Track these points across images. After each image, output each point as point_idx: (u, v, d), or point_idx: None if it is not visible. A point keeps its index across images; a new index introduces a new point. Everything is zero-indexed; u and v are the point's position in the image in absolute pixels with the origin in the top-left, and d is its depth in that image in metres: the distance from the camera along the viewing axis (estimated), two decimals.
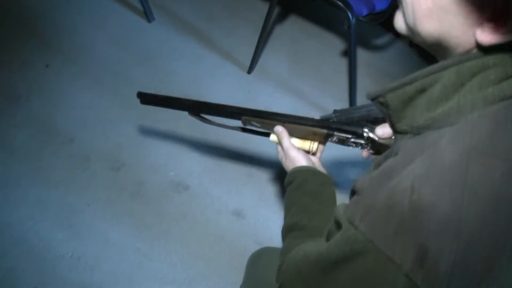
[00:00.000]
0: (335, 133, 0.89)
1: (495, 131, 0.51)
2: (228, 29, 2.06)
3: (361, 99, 1.81)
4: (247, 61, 1.90)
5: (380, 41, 2.06)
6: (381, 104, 0.61)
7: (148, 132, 1.73)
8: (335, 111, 0.92)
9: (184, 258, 1.48)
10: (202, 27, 2.05)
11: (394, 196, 0.51)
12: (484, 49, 0.51)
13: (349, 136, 0.89)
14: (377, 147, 0.89)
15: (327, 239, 0.64)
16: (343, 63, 1.98)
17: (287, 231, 0.82)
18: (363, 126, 0.88)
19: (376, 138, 0.86)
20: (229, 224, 1.56)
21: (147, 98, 1.14)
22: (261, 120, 0.96)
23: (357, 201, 0.57)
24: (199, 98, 1.78)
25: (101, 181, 1.60)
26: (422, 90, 0.55)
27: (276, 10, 2.13)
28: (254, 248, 1.48)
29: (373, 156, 0.93)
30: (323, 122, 0.91)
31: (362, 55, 2.00)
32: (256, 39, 1.83)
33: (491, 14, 0.48)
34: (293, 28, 2.09)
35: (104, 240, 1.49)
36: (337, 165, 1.68)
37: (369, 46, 2.05)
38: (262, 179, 1.65)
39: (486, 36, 0.49)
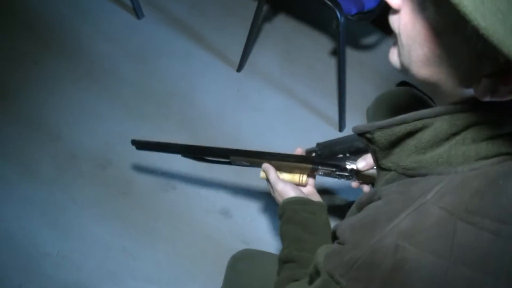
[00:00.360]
0: (319, 167, 0.93)
1: (486, 188, 0.48)
2: (219, 26, 2.05)
3: (351, 99, 1.81)
4: (237, 59, 1.89)
5: (370, 39, 2.06)
6: (368, 140, 0.58)
7: (136, 130, 1.72)
8: (318, 145, 0.97)
9: (170, 257, 1.48)
10: (192, 24, 2.03)
11: (377, 254, 0.49)
12: (482, 102, 0.48)
13: (333, 169, 0.93)
14: (363, 178, 0.92)
15: (310, 282, 0.63)
16: (333, 62, 1.98)
17: (282, 263, 0.84)
18: (345, 159, 0.91)
19: (354, 167, 0.90)
20: (217, 223, 1.56)
21: (141, 144, 1.19)
22: (248, 159, 1.01)
23: (337, 253, 0.55)
24: (188, 95, 1.80)
25: (88, 179, 1.59)
26: (412, 133, 0.53)
27: (267, 8, 2.12)
28: (241, 247, 1.48)
29: (363, 186, 0.96)
30: (307, 158, 0.96)
31: (352, 54, 1.99)
32: (246, 35, 1.82)
33: (491, 70, 0.45)
34: (284, 27, 2.08)
35: (90, 238, 1.48)
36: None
37: (359, 45, 2.05)
38: (250, 178, 1.64)
39: (484, 93, 0.46)
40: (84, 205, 1.54)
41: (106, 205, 1.55)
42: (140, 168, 1.64)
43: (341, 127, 1.79)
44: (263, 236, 1.56)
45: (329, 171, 0.94)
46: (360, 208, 0.61)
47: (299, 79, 1.92)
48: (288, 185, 0.92)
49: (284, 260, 0.83)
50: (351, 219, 0.58)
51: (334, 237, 0.60)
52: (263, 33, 2.04)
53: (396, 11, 0.53)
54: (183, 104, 1.81)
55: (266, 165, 0.97)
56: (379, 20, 1.59)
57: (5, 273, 1.41)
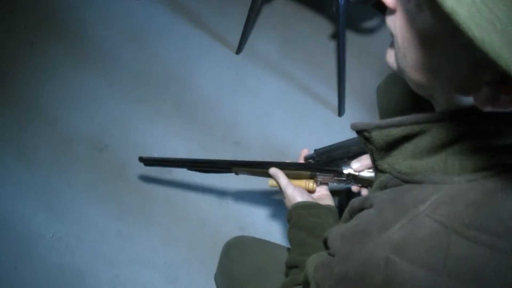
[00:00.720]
0: (318, 173, 0.95)
1: (483, 201, 0.46)
2: (218, 8, 2.01)
3: (350, 84, 1.78)
4: (236, 41, 1.86)
5: (371, 23, 2.01)
6: (365, 138, 0.57)
7: (134, 113, 1.70)
8: (315, 151, 0.98)
9: (166, 242, 1.47)
10: (191, 6, 2.00)
11: (367, 267, 0.48)
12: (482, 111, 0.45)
13: (331, 175, 0.94)
14: (361, 181, 0.93)
15: None
16: (333, 46, 1.94)
17: (287, 268, 0.84)
18: (342, 164, 0.92)
19: (354, 173, 0.91)
20: (213, 209, 1.55)
21: (149, 161, 1.26)
22: (249, 169, 1.04)
23: (327, 264, 0.54)
24: (186, 79, 1.78)
25: (85, 162, 1.59)
26: (409, 137, 0.51)
27: None
28: (237, 232, 1.49)
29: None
30: (305, 165, 0.97)
31: (352, 38, 1.95)
32: (245, 17, 1.79)
33: (491, 78, 0.42)
34: (283, 9, 2.04)
35: (85, 222, 1.48)
36: None
37: (359, 29, 2.01)
38: None
39: (484, 103, 0.43)
40: (79, 188, 1.53)
41: (102, 188, 1.54)
42: (136, 152, 1.62)
43: (340, 112, 1.77)
44: (260, 222, 1.55)
45: (328, 177, 0.95)
46: (352, 213, 0.60)
47: (298, 63, 1.89)
48: (297, 190, 0.92)
49: (289, 265, 0.83)
50: (342, 227, 0.57)
51: (326, 245, 0.59)
52: (262, 15, 2.00)
53: (392, 12, 0.50)
54: (181, 87, 1.78)
55: (274, 170, 0.96)
56: (381, 3, 1.55)
57: (0, 256, 1.42)
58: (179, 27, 1.93)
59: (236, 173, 1.08)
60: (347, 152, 0.93)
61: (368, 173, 0.90)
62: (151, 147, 1.64)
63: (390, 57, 0.54)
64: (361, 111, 1.77)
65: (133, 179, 1.57)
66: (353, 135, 1.57)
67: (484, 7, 0.34)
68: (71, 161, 1.58)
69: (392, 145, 0.54)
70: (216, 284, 1.06)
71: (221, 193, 1.58)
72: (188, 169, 1.17)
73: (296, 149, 1.66)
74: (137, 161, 1.58)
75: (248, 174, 1.06)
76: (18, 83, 1.72)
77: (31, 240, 1.44)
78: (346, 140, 0.94)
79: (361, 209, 0.58)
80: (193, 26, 1.94)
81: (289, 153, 1.66)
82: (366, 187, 0.96)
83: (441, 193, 0.47)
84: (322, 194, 0.98)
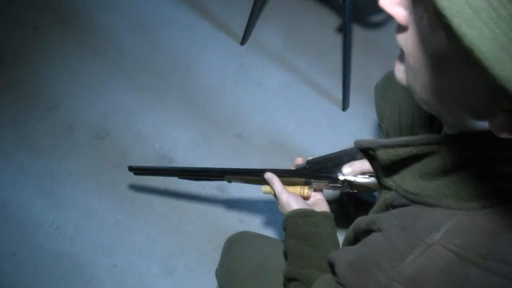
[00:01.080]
0: (312, 180, 0.93)
1: (500, 229, 0.43)
2: None
3: (355, 78, 1.76)
4: (241, 32, 1.84)
5: (378, 17, 1.98)
6: (370, 156, 0.54)
7: (135, 101, 1.69)
8: (308, 162, 0.95)
9: (164, 232, 1.47)
10: None
11: None
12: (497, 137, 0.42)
13: (326, 181, 0.93)
14: (357, 188, 0.91)
15: None
16: (339, 38, 1.91)
17: (286, 281, 0.81)
18: (337, 171, 0.91)
19: (350, 179, 0.89)
20: (212, 200, 1.54)
21: (138, 170, 1.20)
22: (242, 177, 1.02)
23: None
24: (190, 68, 1.76)
25: (85, 150, 1.58)
26: (417, 157, 0.48)
27: None
28: (236, 225, 1.48)
29: None
30: (300, 172, 0.94)
31: (359, 31, 1.92)
32: (250, 8, 1.77)
33: (509, 105, 0.38)
34: (290, 0, 2.01)
35: (84, 210, 1.48)
36: None
37: (366, 22, 1.98)
38: (248, 155, 1.62)
39: (501, 130, 0.39)
40: (79, 176, 1.53)
41: (101, 177, 1.53)
42: (137, 140, 1.62)
43: (344, 106, 1.75)
44: (259, 214, 1.54)
45: (323, 184, 0.93)
46: (358, 233, 0.57)
47: (303, 55, 1.87)
48: (292, 196, 0.89)
49: (288, 278, 0.81)
50: (349, 252, 0.55)
51: (332, 269, 0.57)
52: (268, 5, 1.97)
53: (404, 29, 0.46)
54: (184, 76, 1.77)
55: (269, 175, 0.94)
56: None
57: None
58: (183, 15, 1.91)
59: (229, 181, 1.05)
60: (339, 163, 0.91)
61: (364, 179, 0.89)
62: (152, 137, 1.63)
63: (399, 72, 0.50)
64: (365, 106, 1.74)
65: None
66: (356, 131, 1.57)
67: (507, 41, 0.31)
68: (71, 149, 1.57)
69: (399, 164, 0.51)
70: (217, 279, 1.05)
71: (221, 185, 1.57)
72: (179, 177, 1.14)
73: (299, 142, 1.65)
74: (138, 149, 1.59)
75: (241, 182, 1.04)
76: (20, 68, 1.71)
77: (30, 227, 1.44)
78: (339, 152, 0.92)
79: (367, 230, 0.55)
80: (198, 14, 1.92)
81: (291, 146, 1.64)
82: (364, 191, 0.94)
83: (455, 221, 0.45)
84: (317, 199, 0.95)
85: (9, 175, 1.51)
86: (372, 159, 0.54)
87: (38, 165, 1.53)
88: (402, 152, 0.49)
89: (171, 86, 1.74)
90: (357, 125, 1.69)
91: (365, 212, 0.62)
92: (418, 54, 0.44)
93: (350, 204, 1.46)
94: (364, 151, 0.54)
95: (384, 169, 0.54)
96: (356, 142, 0.55)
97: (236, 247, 1.02)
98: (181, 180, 1.53)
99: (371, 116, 1.69)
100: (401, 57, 0.49)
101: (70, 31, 1.82)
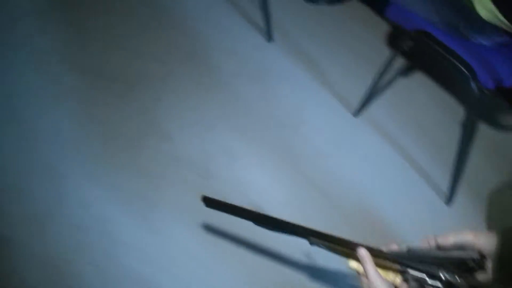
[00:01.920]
0: (408, 269, 0.85)
1: None
2: (344, 65, 2.03)
3: (467, 175, 1.68)
4: (355, 102, 1.85)
5: (508, 119, 1.89)
6: None
7: (242, 149, 1.74)
8: (409, 250, 0.88)
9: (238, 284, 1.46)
10: (317, 57, 2.03)
11: None
12: None
13: (424, 276, 0.84)
14: None
15: None
16: (459, 130, 1.86)
17: None
18: (440, 268, 0.83)
19: (454, 280, 0.81)
20: (294, 263, 1.51)
21: (211, 203, 1.11)
22: (330, 244, 0.93)
23: None
24: (296, 127, 1.79)
25: (185, 186, 1.63)
26: None
27: (400, 60, 2.06)
28: None
29: None
30: (396, 256, 0.87)
31: (485, 129, 1.84)
32: (370, 82, 1.78)
33: None
34: (412, 82, 2.00)
35: (170, 240, 1.51)
36: None
37: (496, 123, 1.89)
38: (339, 225, 1.59)
39: None
40: (174, 208, 1.58)
41: (194, 214, 1.57)
42: (235, 187, 1.65)
43: (448, 201, 1.67)
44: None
45: (419, 278, 0.85)
46: None
47: (415, 138, 1.83)
48: (385, 284, 0.83)
49: None
50: None
51: None
52: (389, 84, 1.97)
53: None
54: (289, 133, 1.80)
55: (363, 253, 0.87)
56: None
57: (88, 252, 1.48)
58: (301, 74, 1.97)
59: (311, 243, 0.96)
60: (445, 260, 0.83)
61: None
62: (250, 186, 1.65)
63: None
64: (471, 207, 1.65)
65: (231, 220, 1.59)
66: (457, 230, 1.43)
67: None
68: (172, 181, 1.64)
69: None
70: None
71: (306, 248, 1.54)
72: (256, 223, 1.05)
73: (393, 224, 1.59)
74: (234, 196, 1.62)
75: (325, 248, 0.95)
76: (142, 96, 1.84)
77: (121, 245, 1.50)
78: (445, 255, 0.84)
79: None
80: (315, 77, 1.97)
81: (382, 225, 1.58)
82: None
83: None
84: None
85: (106, 192, 1.60)
86: None
87: (137, 187, 1.61)
88: None
89: (275, 140, 1.78)
90: (459, 223, 1.61)
91: None
92: None
93: None
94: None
95: None
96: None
97: None
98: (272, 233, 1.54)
99: (476, 218, 1.60)
100: None
101: (195, 70, 1.94)
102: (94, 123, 1.75)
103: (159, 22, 2.10)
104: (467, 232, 0.83)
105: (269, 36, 2.04)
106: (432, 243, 0.85)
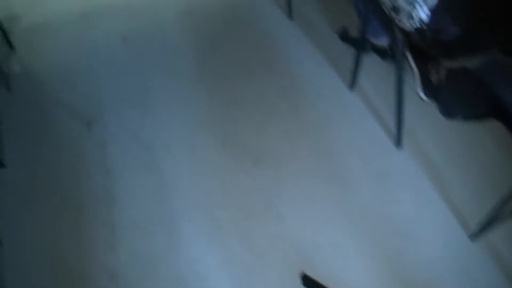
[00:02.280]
0: None
1: None
2: (469, 184, 1.96)
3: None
4: (473, 223, 1.77)
5: None
6: None
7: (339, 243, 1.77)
8: None
9: None
10: (442, 169, 2.01)
11: None
12: None
13: None
14: None
15: None
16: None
17: None
18: None
19: None
20: None
21: (308, 282, 1.23)
22: None
23: None
24: (407, 238, 1.77)
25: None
26: None
27: None
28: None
29: None
30: None
31: None
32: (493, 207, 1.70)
33: None
34: None
35: None
36: None
37: None
38: None
39: None
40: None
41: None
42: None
43: None
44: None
45: None
46: None
47: None
48: None
49: None
50: None
51: None
52: None
53: None
54: (401, 244, 1.80)
55: None
56: None
57: None
58: (423, 186, 1.96)
59: None
60: None
61: None
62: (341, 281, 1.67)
63: None
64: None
65: None
66: None
67: None
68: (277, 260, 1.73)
69: None
70: None
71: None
72: None
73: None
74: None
75: None
76: (263, 175, 2.00)
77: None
78: None
79: None
80: (436, 189, 1.94)
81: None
82: None
83: None
84: None
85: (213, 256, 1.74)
86: None
87: (245, 260, 1.72)
88: None
89: (390, 251, 1.79)
90: None
91: None
92: None
93: None
94: None
95: None
96: None
97: None
98: None
99: None
100: None
101: (322, 162, 2.09)
102: (224, 192, 1.98)
103: (300, 120, 2.29)
104: None
105: (398, 142, 2.09)
106: None
